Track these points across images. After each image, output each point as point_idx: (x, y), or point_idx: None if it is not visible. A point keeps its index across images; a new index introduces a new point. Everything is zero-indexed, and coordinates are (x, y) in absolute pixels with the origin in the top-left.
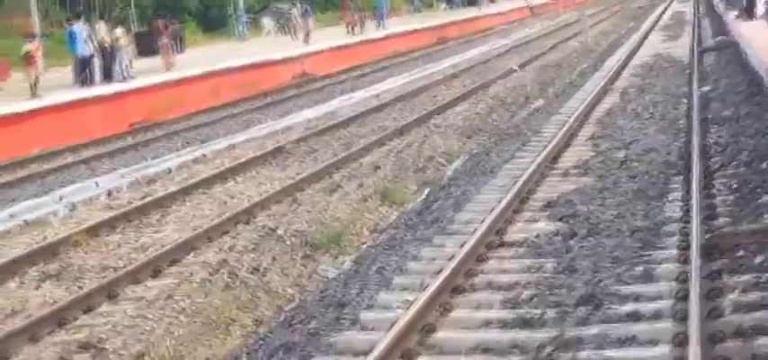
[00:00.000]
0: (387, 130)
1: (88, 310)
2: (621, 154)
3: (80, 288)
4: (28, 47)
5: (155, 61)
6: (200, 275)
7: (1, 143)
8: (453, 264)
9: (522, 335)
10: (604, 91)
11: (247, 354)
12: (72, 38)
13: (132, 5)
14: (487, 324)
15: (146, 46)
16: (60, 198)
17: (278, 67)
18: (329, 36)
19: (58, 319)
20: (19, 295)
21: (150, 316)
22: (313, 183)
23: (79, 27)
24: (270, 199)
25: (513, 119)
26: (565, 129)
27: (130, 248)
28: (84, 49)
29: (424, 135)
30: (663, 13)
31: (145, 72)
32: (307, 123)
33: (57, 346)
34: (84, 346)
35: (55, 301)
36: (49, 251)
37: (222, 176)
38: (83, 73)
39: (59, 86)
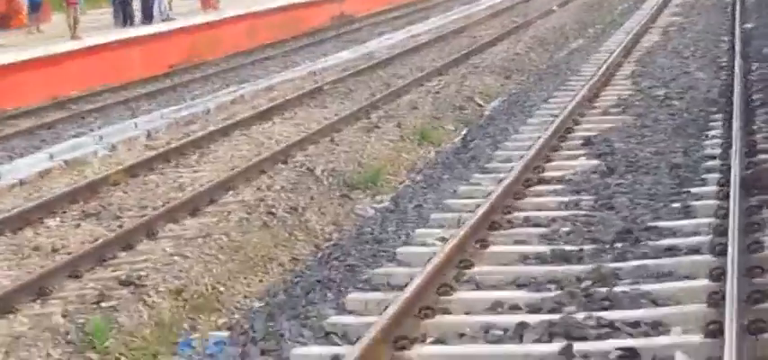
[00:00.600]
0: (424, 71)
1: (128, 248)
2: (661, 92)
3: (120, 226)
4: None
5: (194, 2)
6: (237, 214)
7: (42, 84)
8: (491, 200)
9: (559, 269)
10: (645, 29)
11: (285, 290)
12: None
13: None
14: (525, 259)
15: None
16: (100, 138)
17: (316, 8)
18: None
19: (99, 256)
20: (60, 233)
21: (189, 254)
22: (350, 123)
23: None
24: (307, 139)
25: (552, 58)
26: (604, 67)
27: (169, 188)
28: None
29: (462, 75)
30: None
31: (186, 13)
32: (344, 64)
33: (97, 282)
34: (124, 283)
35: (95, 239)
36: (89, 190)
37: (260, 117)
38: (122, 13)
39: (100, 27)
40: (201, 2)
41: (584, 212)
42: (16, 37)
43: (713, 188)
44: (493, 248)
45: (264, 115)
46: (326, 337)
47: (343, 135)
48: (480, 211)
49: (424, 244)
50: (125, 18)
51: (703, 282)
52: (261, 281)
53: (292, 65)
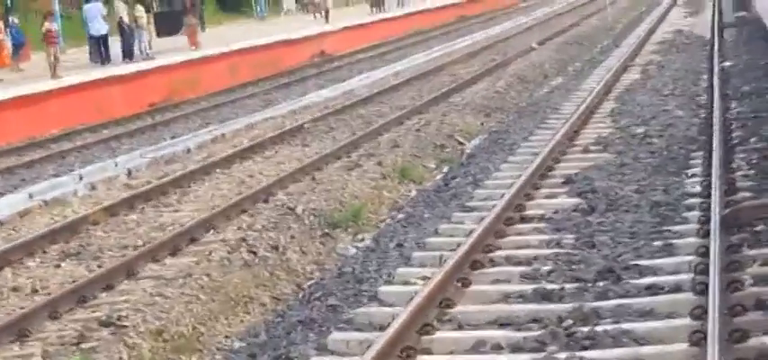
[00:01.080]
0: (405, 109)
1: (108, 288)
2: (641, 130)
3: (100, 266)
4: (47, 26)
5: (175, 41)
6: (219, 253)
7: (21, 123)
8: (472, 239)
9: (541, 308)
10: (624, 68)
11: (266, 330)
12: (88, 17)
13: None
14: (506, 298)
15: (165, 25)
16: (80, 178)
17: (296, 46)
18: (350, 14)
19: (78, 296)
20: (40, 274)
21: (169, 294)
22: (331, 161)
23: (94, 6)
24: (288, 177)
25: (532, 96)
26: (584, 106)
27: (149, 227)
28: (99, 28)
29: (442, 113)
30: None
31: (166, 51)
32: (325, 102)
33: (77, 323)
34: (105, 324)
35: (75, 280)
36: (69, 230)
37: (241, 156)
38: (98, 52)
39: (78, 66)
40: (190, 41)
41: (565, 251)
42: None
43: (694, 226)
44: (474, 287)
45: (245, 154)
46: None
47: (325, 173)
48: (462, 250)
49: (405, 283)
50: (101, 57)
51: (685, 320)
52: (242, 321)
53: (273, 103)
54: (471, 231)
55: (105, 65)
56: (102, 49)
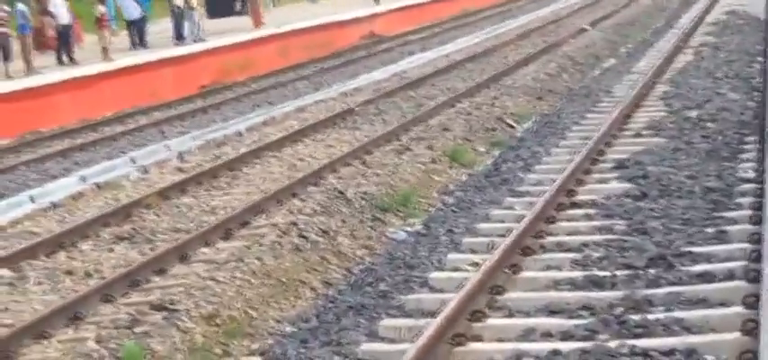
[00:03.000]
0: (456, 91)
1: (160, 272)
2: (694, 113)
3: (152, 250)
4: (100, 9)
5: (234, 21)
6: (269, 238)
7: (75, 106)
8: (522, 225)
9: (592, 296)
10: (677, 49)
11: (317, 316)
12: (122, 2)
13: None
14: (557, 285)
15: (219, 7)
16: (132, 161)
17: (347, 27)
18: None
19: (131, 280)
20: (93, 257)
21: (221, 278)
22: (382, 145)
23: None
24: (339, 161)
25: (584, 79)
26: (637, 88)
27: (201, 211)
28: (132, 12)
29: (493, 96)
30: None
31: (222, 32)
32: (376, 85)
33: (130, 307)
34: (157, 307)
35: (128, 263)
36: (122, 213)
37: (291, 139)
38: (131, 36)
39: (123, 48)
40: (254, 20)
41: (616, 237)
42: (49, 58)
43: (747, 213)
44: (525, 274)
45: (296, 137)
46: None
47: (375, 157)
48: (512, 236)
49: (456, 269)
50: (132, 41)
51: (738, 309)
52: (293, 306)
53: (323, 86)
54: (522, 217)
55: (137, 49)
56: (135, 32)
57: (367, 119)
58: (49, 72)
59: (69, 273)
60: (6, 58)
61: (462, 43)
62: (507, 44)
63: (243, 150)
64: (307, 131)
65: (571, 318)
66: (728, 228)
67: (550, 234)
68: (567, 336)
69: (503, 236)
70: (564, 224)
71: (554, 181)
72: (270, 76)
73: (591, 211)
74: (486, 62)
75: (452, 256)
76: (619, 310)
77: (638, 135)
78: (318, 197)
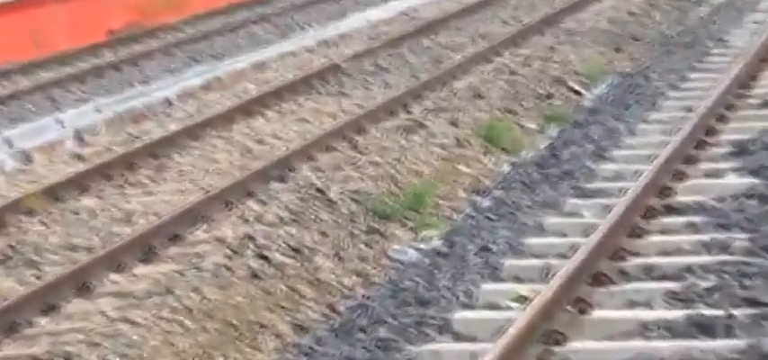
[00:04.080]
0: (493, 39)
1: (50, 310)
2: None
3: (37, 277)
4: None
5: None
6: (213, 258)
7: None
8: (594, 241)
9: (697, 346)
10: None
11: None
12: None
13: None
14: (645, 330)
15: None
16: (7, 143)
17: None
18: None
19: (6, 323)
20: None
21: (140, 319)
22: (382, 119)
23: None
24: (317, 144)
25: (685, 20)
26: (765, 36)
27: (111, 218)
28: None
29: (549, 45)
30: None
31: None
32: (372, 29)
33: None
34: None
35: (3, 298)
36: None
37: (246, 110)
38: None
39: None
40: None
41: (734, 259)
42: None
43: None
44: (597, 314)
45: (252, 107)
46: None
47: (371, 138)
48: (578, 258)
49: (493, 307)
50: None
51: None
52: None
53: (294, 31)
54: (593, 228)
55: None
56: None
57: (360, 80)
58: None
59: None
60: None
61: None
62: None
63: (173, 128)
64: (269, 99)
65: None
66: None
67: (635, 253)
68: None
69: (564, 256)
70: (656, 239)
71: (641, 174)
72: (214, 17)
73: (696, 220)
74: None
75: (488, 286)
76: None
77: (764, 105)
78: (286, 198)
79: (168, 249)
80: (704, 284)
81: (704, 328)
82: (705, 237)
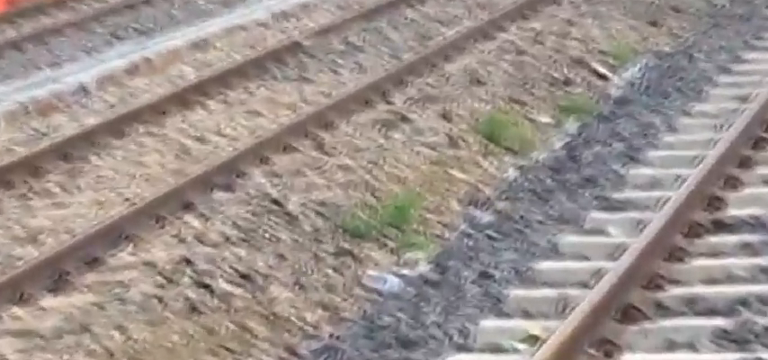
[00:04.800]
0: (495, 9)
1: None
2: None
3: None
4: None
5: None
6: (141, 288)
7: None
8: (624, 265)
9: None
10: None
11: None
12: None
13: None
14: None
15: None
16: None
17: None
18: None
19: None
20: None
21: None
22: (355, 111)
23: None
24: (272, 142)
25: None
26: None
27: (11, 238)
28: None
29: (567, 18)
30: None
31: None
32: None
33: None
34: None
35: None
36: None
37: (183, 100)
38: None
39: None
40: None
41: None
42: None
43: None
44: (628, 358)
45: (191, 97)
46: None
47: (340, 134)
48: (604, 287)
49: (495, 349)
50: None
51: None
52: None
53: None
54: (622, 250)
55: None
56: None
57: (326, 62)
58: None
59: None
60: None
61: None
62: None
63: (90, 122)
64: (211, 86)
65: None
66: None
67: (676, 282)
68: None
69: (585, 286)
70: (702, 263)
71: (683, 181)
72: None
73: (752, 239)
74: None
75: (488, 323)
76: None
77: None
78: (233, 211)
79: (84, 276)
80: (763, 322)
81: None
82: (764, 260)
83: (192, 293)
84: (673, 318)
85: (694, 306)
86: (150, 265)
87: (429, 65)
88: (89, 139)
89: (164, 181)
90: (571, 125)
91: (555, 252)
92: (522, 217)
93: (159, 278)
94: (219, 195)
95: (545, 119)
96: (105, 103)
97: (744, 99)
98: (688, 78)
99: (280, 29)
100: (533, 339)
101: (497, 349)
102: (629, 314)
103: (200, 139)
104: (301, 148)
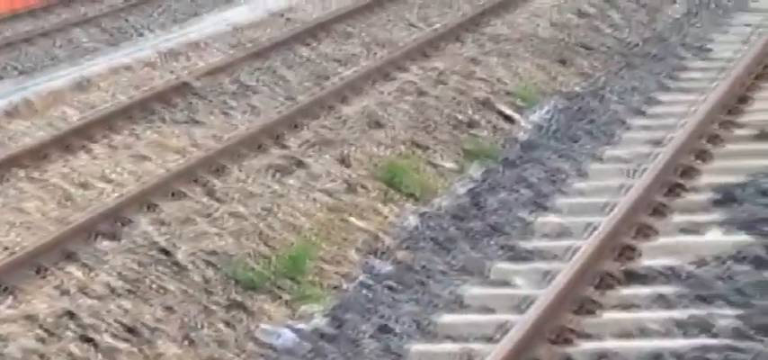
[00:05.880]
0: (395, 47)
1: None
2: None
3: None
4: None
5: None
6: (21, 343)
7: None
8: (530, 318)
9: None
10: None
11: None
12: None
13: None
14: None
15: None
16: None
17: None
18: None
19: None
20: None
21: None
22: (247, 156)
23: None
24: (160, 189)
25: (653, 22)
26: (761, 44)
27: None
28: None
29: (471, 57)
30: None
31: None
32: (235, 34)
33: None
34: None
35: None
36: None
37: (65, 144)
38: None
39: None
40: None
41: (719, 342)
42: None
43: None
44: None
45: (73, 141)
46: None
47: (233, 182)
48: (509, 342)
49: None
50: None
51: None
52: None
53: (129, 35)
54: (529, 302)
55: None
56: None
57: (217, 104)
58: None
59: None
60: None
61: None
62: None
63: None
64: (95, 129)
65: None
66: None
67: (586, 336)
68: None
69: (490, 340)
70: (613, 316)
71: (594, 229)
72: (20, 18)
73: (667, 291)
74: None
75: None
76: None
77: (763, 137)
78: (119, 261)
79: None
80: None
81: None
82: (680, 313)
83: (76, 348)
84: None
85: None
86: (31, 318)
87: (325, 107)
88: None
89: (45, 229)
90: (476, 170)
91: (458, 304)
92: (423, 267)
93: (40, 332)
94: (104, 244)
95: (448, 163)
96: None
97: (658, 143)
98: (599, 121)
99: (168, 69)
100: None
101: None
102: None
103: (84, 185)
104: (191, 195)
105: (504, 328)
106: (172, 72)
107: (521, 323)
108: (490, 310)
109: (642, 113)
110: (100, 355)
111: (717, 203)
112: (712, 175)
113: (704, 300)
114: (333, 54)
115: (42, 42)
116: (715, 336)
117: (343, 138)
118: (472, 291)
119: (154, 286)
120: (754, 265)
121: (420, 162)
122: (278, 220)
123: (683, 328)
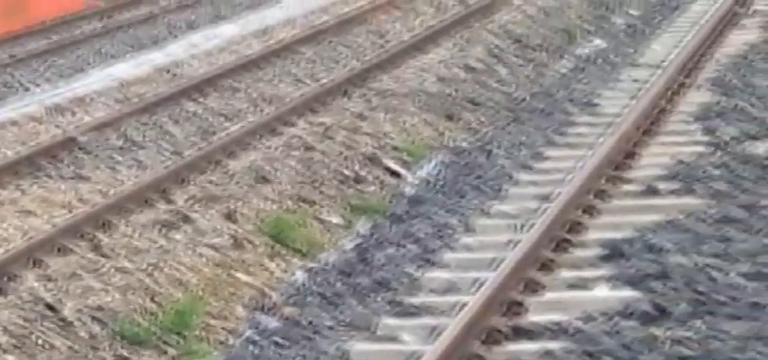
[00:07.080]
0: (282, 103)
1: None
2: (763, 148)
3: None
4: None
5: None
6: None
7: None
8: None
9: None
10: (731, 17)
11: None
12: None
13: None
14: None
15: None
16: None
17: None
18: None
19: None
20: None
21: None
22: (133, 211)
23: None
24: (46, 245)
25: (540, 77)
26: (648, 99)
27: None
28: None
29: (357, 112)
30: None
31: None
32: (121, 89)
33: None
34: None
35: None
36: None
37: None
38: None
39: None
40: None
41: None
42: None
43: None
44: None
45: None
46: None
47: (119, 237)
48: None
49: None
50: None
51: None
52: None
53: (14, 90)
54: (417, 357)
55: None
56: None
57: (103, 159)
58: None
59: None
60: None
61: (301, 6)
62: (389, 5)
63: None
64: None
65: None
66: None
67: None
68: None
69: None
70: None
71: (481, 285)
72: None
73: (554, 347)
74: (347, 41)
75: None
76: None
77: (650, 193)
78: (5, 316)
79: None
80: None
81: None
82: None
83: None
84: None
85: None
86: None
87: (212, 162)
88: None
89: None
90: (363, 225)
91: None
92: (310, 322)
93: None
94: None
95: (335, 219)
96: None
97: (545, 198)
98: (486, 176)
99: (54, 123)
100: None
101: None
102: None
103: None
104: (77, 250)
105: None
106: (57, 127)
107: None
108: None
109: (529, 168)
110: None
111: (604, 259)
112: (600, 231)
113: (591, 356)
114: (219, 109)
115: None
116: None
117: (230, 193)
118: (359, 346)
119: (40, 342)
120: (640, 321)
121: (307, 217)
122: (164, 275)
123: None
